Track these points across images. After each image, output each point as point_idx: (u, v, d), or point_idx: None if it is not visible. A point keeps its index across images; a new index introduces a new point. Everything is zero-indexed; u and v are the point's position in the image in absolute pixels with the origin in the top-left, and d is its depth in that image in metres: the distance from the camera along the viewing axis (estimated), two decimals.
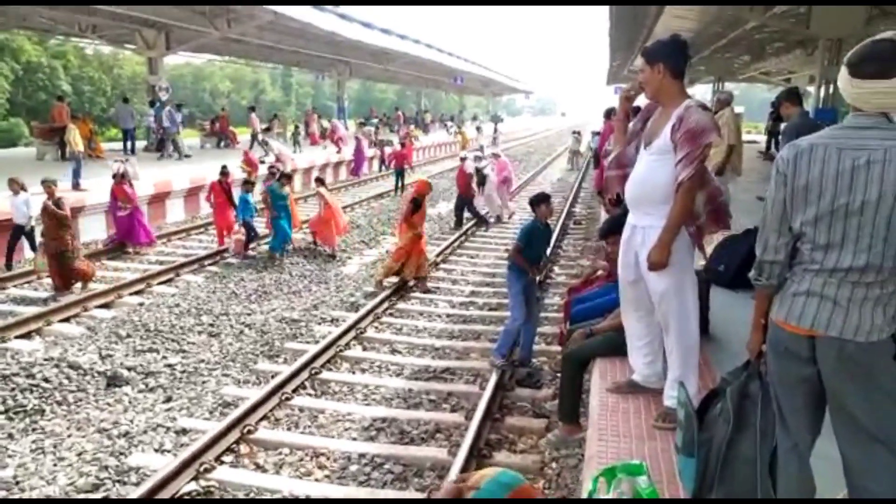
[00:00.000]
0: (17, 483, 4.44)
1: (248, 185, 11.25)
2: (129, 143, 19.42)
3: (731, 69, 27.33)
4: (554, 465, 4.71)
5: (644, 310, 3.49)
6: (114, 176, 11.00)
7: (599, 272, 5.91)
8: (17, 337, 6.89)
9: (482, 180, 13.85)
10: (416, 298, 8.84)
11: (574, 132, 29.91)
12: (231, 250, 10.83)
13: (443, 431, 5.24)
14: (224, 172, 11.34)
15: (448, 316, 8.17)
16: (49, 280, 8.78)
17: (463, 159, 14.22)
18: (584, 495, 2.38)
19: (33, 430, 5.19)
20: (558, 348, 6.79)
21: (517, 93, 76.55)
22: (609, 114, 12.52)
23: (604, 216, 10.69)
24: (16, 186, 8.98)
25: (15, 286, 8.86)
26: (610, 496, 2.06)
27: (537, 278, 6.46)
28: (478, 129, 30.44)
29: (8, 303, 8.27)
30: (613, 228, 4.64)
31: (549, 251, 6.46)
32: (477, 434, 4.88)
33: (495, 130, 30.09)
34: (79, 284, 8.69)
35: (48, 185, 8.56)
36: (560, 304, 8.35)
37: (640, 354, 3.65)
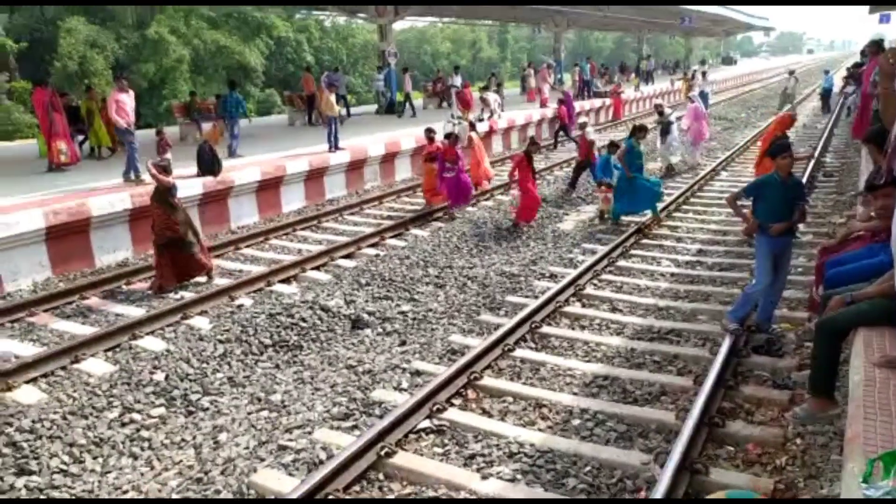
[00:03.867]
0: (284, 406, 5.17)
1: (613, 146, 10.56)
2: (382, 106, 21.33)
3: None
4: (799, 441, 4.30)
5: None
6: (447, 136, 11.22)
7: (861, 231, 5.15)
8: (279, 282, 7.95)
9: (666, 129, 13.52)
10: (638, 256, 8.51)
11: (789, 71, 26.61)
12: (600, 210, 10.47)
13: (669, 394, 5.05)
14: (533, 142, 10.88)
15: (672, 275, 7.76)
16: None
17: (583, 126, 13.28)
18: (849, 478, 2.12)
19: (294, 362, 5.99)
20: (804, 314, 6.15)
21: (754, 30, 68.73)
22: (876, 47, 10.73)
23: (864, 168, 9.28)
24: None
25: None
26: (887, 483, 1.80)
27: (789, 244, 5.77)
28: (703, 74, 27.97)
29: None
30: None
31: (796, 213, 5.60)
32: (708, 400, 4.61)
33: (695, 76, 27.38)
34: (202, 277, 7.98)
35: (158, 167, 7.75)
36: (805, 266, 7.51)
37: None
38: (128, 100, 10.58)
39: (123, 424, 4.89)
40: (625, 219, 10.07)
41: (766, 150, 9.02)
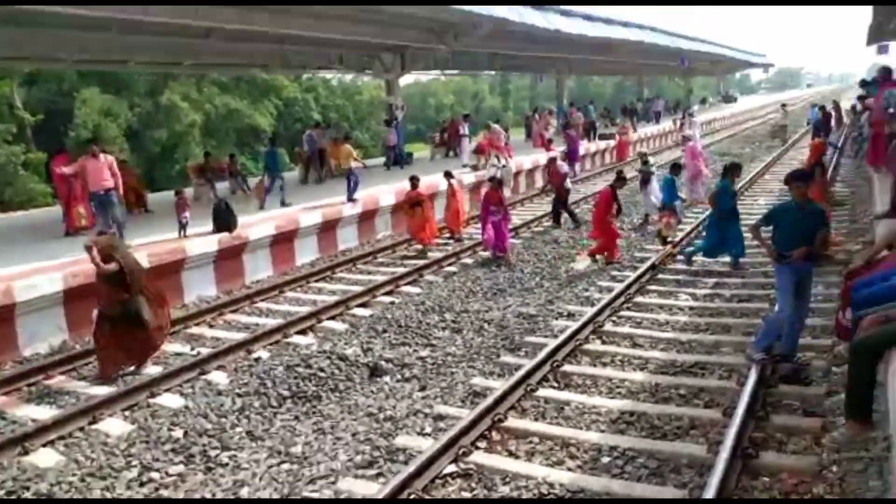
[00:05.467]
0: (306, 458, 5.07)
1: (675, 168, 11.13)
2: (390, 158, 21.30)
3: None
4: (835, 468, 4.18)
5: None
6: (490, 179, 11.75)
7: (885, 252, 5.10)
8: (296, 333, 7.92)
9: (647, 178, 12.75)
10: (655, 292, 8.44)
11: (782, 105, 27.72)
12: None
13: (698, 428, 4.94)
14: (620, 177, 10.74)
15: (691, 309, 7.68)
16: None
17: (553, 160, 13.86)
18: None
19: (314, 413, 5.90)
20: (827, 342, 6.04)
21: (752, 68, 69.81)
22: (887, 73, 10.90)
23: (877, 194, 9.27)
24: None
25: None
26: None
27: (811, 271, 5.73)
28: (690, 114, 28.64)
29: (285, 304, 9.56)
30: None
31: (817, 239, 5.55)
32: (740, 431, 4.49)
33: (684, 115, 28.65)
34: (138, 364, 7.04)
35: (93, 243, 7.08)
36: (825, 293, 7.41)
37: None
38: (95, 166, 10.05)
39: (142, 484, 4.82)
40: (637, 254, 10.04)
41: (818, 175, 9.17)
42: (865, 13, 25.52)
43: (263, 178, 14.61)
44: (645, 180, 12.91)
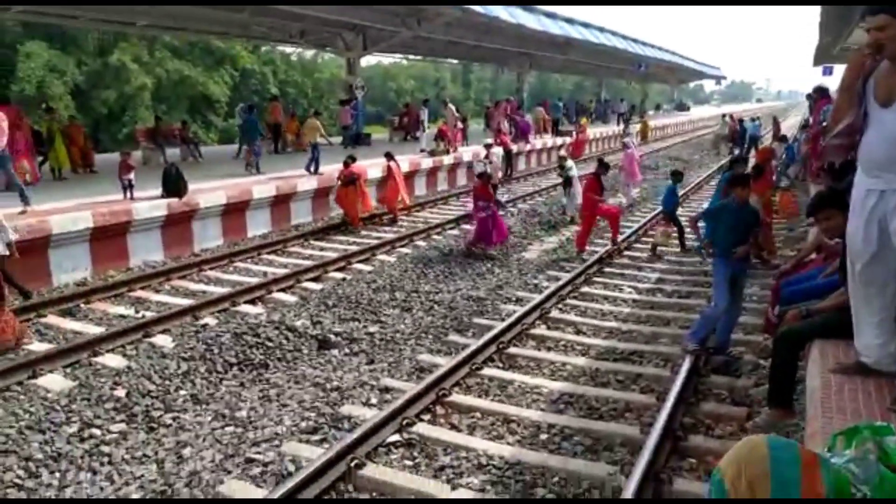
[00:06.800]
0: (251, 422, 5.10)
1: (677, 175, 10.84)
2: (347, 137, 21.10)
3: None
4: None
5: (878, 285, 3.21)
6: (479, 175, 11.26)
7: (813, 255, 5.44)
8: (245, 302, 7.87)
9: (568, 181, 12.75)
10: (601, 283, 8.72)
11: (724, 115, 29.44)
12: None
13: (633, 411, 5.16)
14: (602, 164, 10.60)
15: (634, 301, 7.97)
16: None
17: (489, 146, 14.41)
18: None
19: (260, 380, 5.92)
20: (759, 338, 6.38)
21: (706, 79, 71.81)
22: (821, 93, 11.52)
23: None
24: None
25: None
26: (849, 454, 1.91)
27: (746, 269, 6.04)
28: (626, 120, 30.05)
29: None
30: (824, 203, 4.21)
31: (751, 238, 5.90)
32: (671, 415, 4.74)
33: (627, 123, 30.72)
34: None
35: None
36: (759, 294, 7.81)
37: (872, 335, 3.33)
38: None
39: (82, 440, 4.76)
40: (589, 248, 10.30)
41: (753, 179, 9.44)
42: (815, 36, 26.65)
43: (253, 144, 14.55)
44: (566, 183, 12.82)
